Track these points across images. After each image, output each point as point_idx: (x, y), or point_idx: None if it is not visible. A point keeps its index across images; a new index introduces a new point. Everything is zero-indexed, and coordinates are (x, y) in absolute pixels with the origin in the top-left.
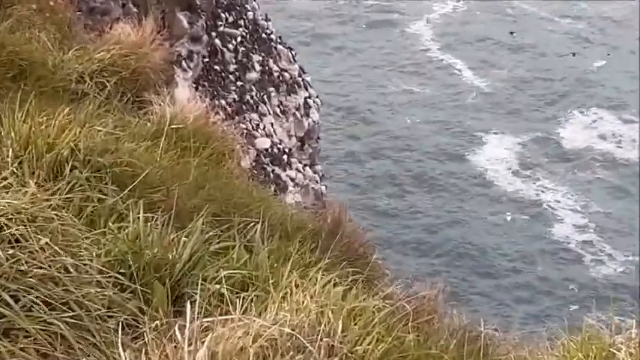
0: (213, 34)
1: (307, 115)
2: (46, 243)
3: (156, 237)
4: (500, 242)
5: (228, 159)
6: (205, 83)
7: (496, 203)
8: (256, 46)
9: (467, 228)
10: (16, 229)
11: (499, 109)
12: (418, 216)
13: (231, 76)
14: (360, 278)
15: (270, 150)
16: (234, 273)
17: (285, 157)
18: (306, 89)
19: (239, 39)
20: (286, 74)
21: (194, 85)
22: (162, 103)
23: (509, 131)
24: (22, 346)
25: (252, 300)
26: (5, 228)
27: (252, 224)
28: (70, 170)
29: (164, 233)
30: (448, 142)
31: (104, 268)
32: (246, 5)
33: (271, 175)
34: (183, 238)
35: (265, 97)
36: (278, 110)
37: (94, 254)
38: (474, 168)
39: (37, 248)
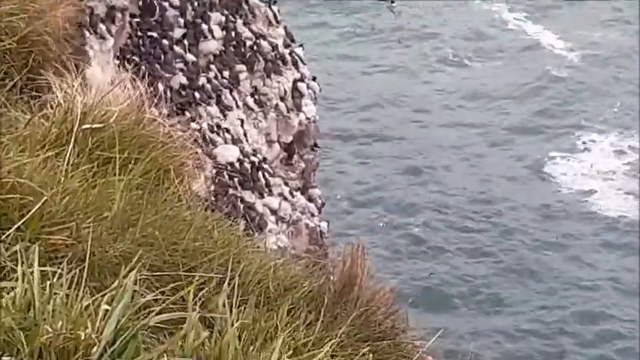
0: None
1: (298, 108)
2: None
3: (59, 304)
4: None
5: (174, 179)
6: (135, 58)
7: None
8: None
9: None
10: None
11: None
12: None
13: (176, 46)
14: None
15: (238, 165)
16: None
17: (261, 175)
18: (297, 68)
19: None
20: (265, 43)
21: (117, 61)
22: (68, 90)
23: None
24: None
25: None
26: None
27: (214, 284)
28: None
29: (72, 298)
30: None
31: None
32: None
33: (240, 204)
34: (104, 306)
35: (231, 79)
36: (251, 101)
37: None
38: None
39: None
